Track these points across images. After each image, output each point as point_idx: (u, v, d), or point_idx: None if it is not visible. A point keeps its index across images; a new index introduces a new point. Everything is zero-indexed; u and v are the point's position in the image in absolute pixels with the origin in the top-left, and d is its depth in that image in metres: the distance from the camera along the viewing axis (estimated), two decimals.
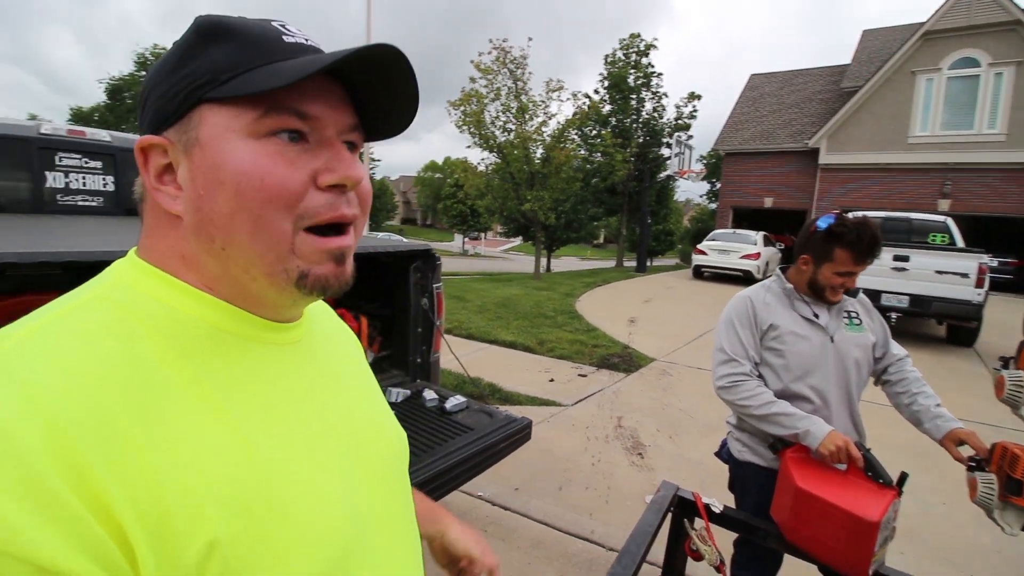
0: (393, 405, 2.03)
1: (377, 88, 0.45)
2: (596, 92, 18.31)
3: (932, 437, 1.48)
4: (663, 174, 17.72)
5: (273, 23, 0.44)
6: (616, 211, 19.80)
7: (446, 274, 12.02)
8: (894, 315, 6.61)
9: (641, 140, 18.54)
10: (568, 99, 13.43)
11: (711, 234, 13.76)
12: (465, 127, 12.41)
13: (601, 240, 57.46)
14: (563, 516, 2.56)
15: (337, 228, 0.44)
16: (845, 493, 1.29)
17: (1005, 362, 1.40)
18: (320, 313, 0.60)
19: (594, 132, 18.01)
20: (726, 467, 1.75)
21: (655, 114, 18.84)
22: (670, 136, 17.80)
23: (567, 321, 7.16)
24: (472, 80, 12.36)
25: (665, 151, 18.20)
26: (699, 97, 18.45)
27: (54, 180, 2.75)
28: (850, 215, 1.49)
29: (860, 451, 1.34)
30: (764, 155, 17.27)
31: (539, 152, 12.84)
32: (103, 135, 2.95)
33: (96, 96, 48.18)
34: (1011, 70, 13.12)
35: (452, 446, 1.73)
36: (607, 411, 4.02)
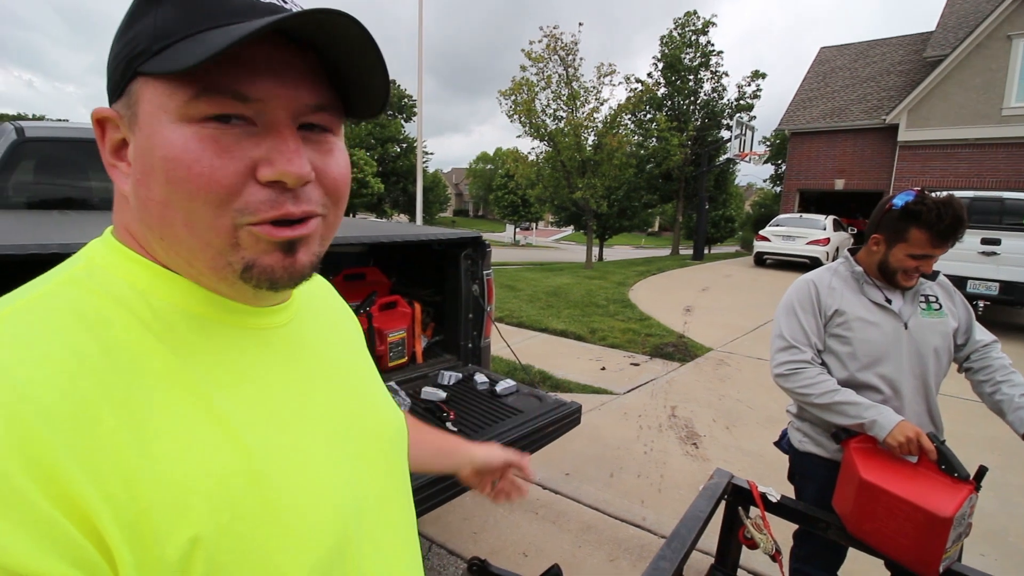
0: (445, 388, 2.09)
1: (343, 57, 0.38)
2: (649, 76, 17.74)
3: (1015, 430, 1.36)
4: (722, 157, 16.94)
5: None
6: (671, 197, 19.20)
7: (497, 264, 12.12)
8: (981, 303, 6.06)
9: (699, 123, 17.82)
10: (621, 83, 13.09)
11: (775, 219, 13.06)
12: (515, 116, 12.40)
13: (656, 228, 55.91)
14: (614, 502, 2.55)
15: (289, 221, 0.38)
16: (915, 486, 1.22)
17: None
18: (317, 292, 0.56)
19: (648, 116, 17.48)
20: (786, 459, 1.69)
21: (714, 95, 18.03)
22: (730, 117, 16.99)
23: (619, 310, 7.06)
24: (523, 69, 12.31)
25: (725, 133, 17.40)
26: (763, 75, 17.51)
27: None
28: (933, 195, 1.37)
29: (933, 443, 1.25)
30: (835, 133, 16.12)
31: (591, 139, 12.63)
32: None
33: None
34: None
35: (501, 427, 1.77)
36: (660, 400, 3.95)
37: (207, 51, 0.32)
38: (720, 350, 5.35)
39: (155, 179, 0.35)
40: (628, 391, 4.12)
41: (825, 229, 11.58)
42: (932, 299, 1.48)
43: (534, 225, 43.16)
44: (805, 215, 12.89)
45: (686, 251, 17.84)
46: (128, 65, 0.36)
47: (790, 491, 1.65)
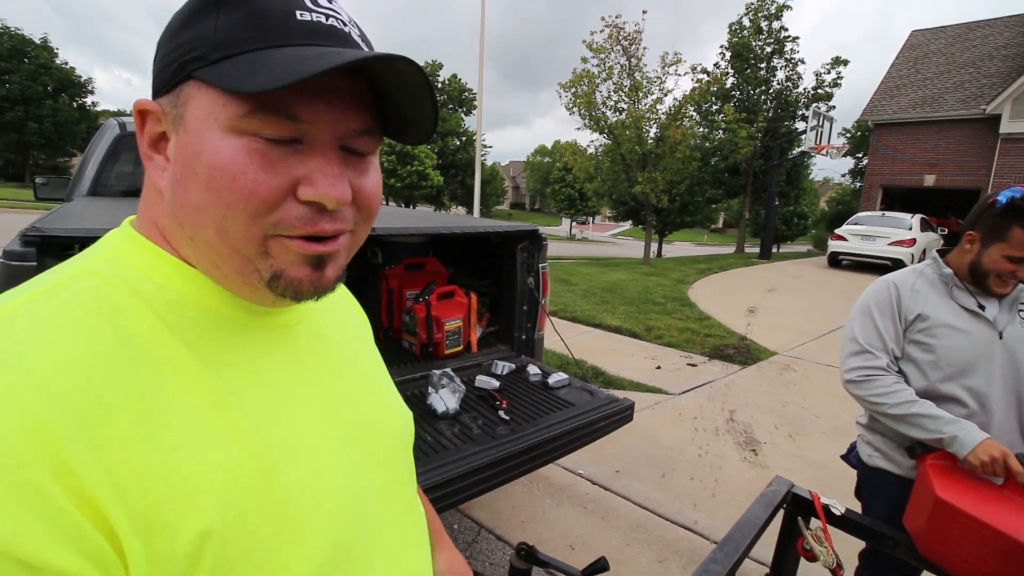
0: (498, 377, 2.13)
1: (393, 86, 0.39)
2: (717, 66, 16.93)
3: None
4: (796, 150, 15.97)
5: None
6: (738, 192, 18.36)
7: (552, 258, 12.07)
8: None
9: (770, 114, 16.89)
10: (686, 73, 12.60)
11: (853, 217, 12.17)
12: (575, 109, 12.27)
13: (720, 224, 53.76)
14: (665, 503, 2.51)
15: (321, 237, 0.39)
16: (1000, 511, 1.12)
17: None
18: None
19: (715, 107, 16.74)
20: (854, 474, 1.59)
21: (788, 84, 17.01)
22: (806, 107, 15.96)
23: (677, 308, 6.86)
24: (584, 60, 12.15)
25: (800, 125, 16.38)
26: (845, 62, 16.32)
27: None
28: None
29: (1023, 465, 1.14)
30: (926, 124, 14.78)
31: (653, 131, 12.29)
32: None
33: None
34: None
35: (552, 419, 1.78)
36: (718, 403, 3.82)
37: (283, 77, 0.32)
38: (785, 354, 5.08)
39: (195, 183, 0.36)
40: (684, 392, 4.01)
41: (911, 229, 10.67)
42: None
43: (591, 219, 42.62)
44: (888, 213, 11.93)
45: (752, 249, 17.02)
46: (182, 67, 0.36)
47: (856, 508, 1.56)
